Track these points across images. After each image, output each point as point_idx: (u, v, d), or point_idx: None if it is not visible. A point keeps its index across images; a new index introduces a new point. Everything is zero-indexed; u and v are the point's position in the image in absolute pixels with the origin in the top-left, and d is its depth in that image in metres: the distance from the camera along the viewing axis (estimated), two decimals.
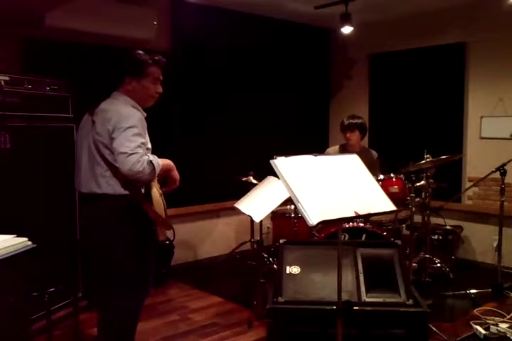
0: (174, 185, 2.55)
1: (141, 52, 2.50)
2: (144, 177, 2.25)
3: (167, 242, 2.52)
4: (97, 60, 4.04)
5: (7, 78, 3.08)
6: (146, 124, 2.46)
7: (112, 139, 2.28)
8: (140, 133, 2.30)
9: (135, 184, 2.33)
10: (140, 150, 2.24)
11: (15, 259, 2.10)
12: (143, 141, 2.29)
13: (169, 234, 4.43)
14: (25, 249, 2.17)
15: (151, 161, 2.25)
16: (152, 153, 2.44)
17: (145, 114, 2.53)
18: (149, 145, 2.44)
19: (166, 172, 2.50)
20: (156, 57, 2.50)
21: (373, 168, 3.64)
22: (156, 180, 2.45)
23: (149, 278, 2.55)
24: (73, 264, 3.52)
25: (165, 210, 2.46)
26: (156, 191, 2.39)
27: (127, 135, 2.25)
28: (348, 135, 4.12)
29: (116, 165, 2.28)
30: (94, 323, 2.62)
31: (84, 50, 4.02)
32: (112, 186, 2.35)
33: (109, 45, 4.05)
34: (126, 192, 2.35)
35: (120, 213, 2.38)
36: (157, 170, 2.30)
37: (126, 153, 2.21)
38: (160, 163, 2.34)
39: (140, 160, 2.20)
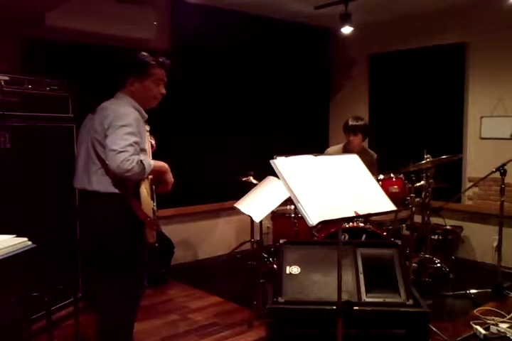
0: (166, 188, 2.53)
1: (145, 53, 2.50)
2: (133, 177, 2.24)
3: (156, 245, 2.50)
4: (97, 60, 4.04)
5: (7, 78, 3.08)
6: (144, 125, 2.45)
7: (105, 136, 2.29)
8: (133, 132, 2.29)
9: (124, 182, 2.32)
10: (130, 149, 2.23)
11: (15, 259, 2.10)
12: (136, 140, 2.28)
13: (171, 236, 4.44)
14: (25, 249, 2.16)
15: (141, 161, 2.24)
16: (153, 153, 2.43)
17: (146, 116, 2.53)
18: (145, 147, 2.43)
19: (159, 174, 2.49)
20: (161, 59, 2.51)
21: (372, 168, 3.65)
22: (147, 181, 2.43)
23: (143, 277, 2.55)
24: (73, 264, 3.52)
25: (154, 211, 2.44)
26: (145, 191, 2.36)
27: (120, 133, 2.25)
28: (351, 138, 4.11)
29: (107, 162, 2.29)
30: (94, 323, 2.62)
31: (84, 50, 4.02)
32: (102, 184, 2.35)
33: (109, 45, 4.05)
34: (117, 191, 2.35)
35: (110, 212, 2.37)
36: (147, 171, 2.28)
37: (116, 150, 2.21)
38: (152, 163, 2.33)
39: (129, 158, 2.20)
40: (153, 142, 2.76)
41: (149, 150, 2.63)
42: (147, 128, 2.71)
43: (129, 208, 2.35)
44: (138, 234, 2.41)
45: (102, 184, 2.35)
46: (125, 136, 2.25)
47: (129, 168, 2.19)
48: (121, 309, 2.48)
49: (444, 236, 4.74)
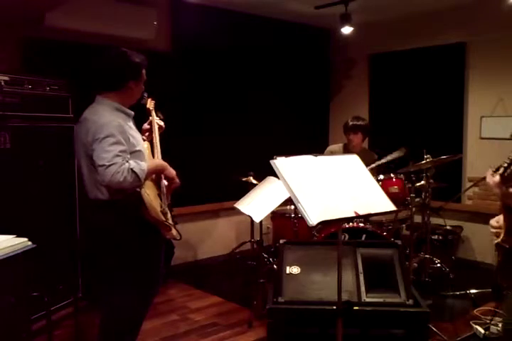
0: (174, 182, 2.53)
1: (131, 52, 2.45)
2: (128, 186, 2.22)
3: (178, 238, 2.52)
4: (97, 60, 4.04)
5: (7, 78, 3.09)
6: (129, 126, 2.42)
7: (92, 151, 2.27)
8: (117, 141, 2.25)
9: (124, 192, 2.29)
10: (118, 160, 2.20)
11: (15, 259, 2.10)
12: (121, 149, 2.24)
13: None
14: (25, 249, 2.17)
15: (131, 169, 2.20)
16: (161, 134, 2.39)
17: (132, 113, 2.50)
18: (139, 147, 2.41)
19: (159, 173, 2.48)
20: (144, 59, 2.49)
21: (373, 169, 3.65)
22: (151, 183, 2.41)
23: (156, 278, 2.55)
24: (73, 264, 3.52)
25: (163, 212, 2.41)
26: (146, 195, 2.32)
27: (104, 146, 2.22)
28: (351, 137, 4.12)
29: None
30: (94, 323, 2.62)
31: (84, 50, 4.01)
32: (112, 192, 2.33)
33: (109, 45, 4.04)
34: (127, 198, 2.33)
35: (126, 216, 2.36)
36: (141, 176, 2.25)
37: (104, 165, 2.19)
38: (144, 168, 2.28)
39: (119, 170, 2.17)
40: (161, 123, 2.74)
41: (156, 136, 2.60)
42: (152, 105, 2.69)
43: (141, 212, 2.35)
44: (152, 235, 2.42)
45: (112, 193, 2.33)
46: (109, 148, 2.22)
47: (121, 179, 2.17)
48: (127, 309, 2.48)
49: (444, 236, 4.73)
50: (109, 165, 2.18)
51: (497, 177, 1.82)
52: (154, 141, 2.65)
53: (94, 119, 2.32)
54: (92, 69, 2.51)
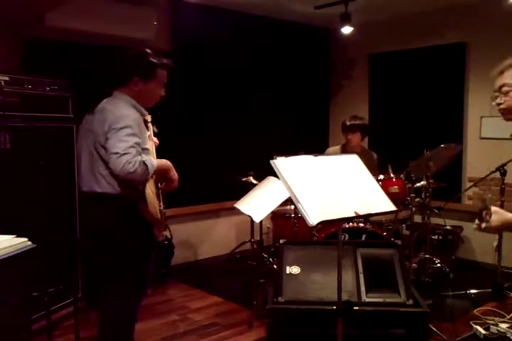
0: (172, 185, 2.54)
1: (152, 53, 2.47)
2: (136, 178, 2.23)
3: (166, 242, 2.51)
4: (97, 60, 4.04)
5: (7, 78, 3.09)
6: (144, 125, 2.45)
7: (106, 139, 2.28)
8: (134, 133, 2.27)
9: (130, 184, 2.30)
10: (132, 151, 2.21)
11: (15, 259, 2.10)
12: (136, 141, 2.26)
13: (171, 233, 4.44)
14: (25, 249, 2.16)
15: (143, 162, 2.22)
16: (156, 149, 2.41)
17: (146, 113, 2.51)
18: (148, 146, 2.42)
19: (163, 173, 2.48)
20: (166, 61, 2.50)
21: (373, 169, 3.65)
22: (152, 181, 2.42)
23: (148, 278, 2.56)
24: (73, 264, 3.52)
25: (161, 211, 2.43)
26: (150, 192, 2.33)
27: (120, 135, 2.23)
28: (349, 137, 4.12)
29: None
30: (94, 323, 2.62)
31: (84, 50, 4.01)
32: (111, 185, 2.35)
33: (109, 45, 4.05)
34: (125, 192, 2.34)
35: (120, 213, 2.37)
36: (151, 171, 2.27)
37: (117, 153, 2.20)
38: (154, 163, 2.31)
39: (131, 160, 2.18)
40: (156, 140, 2.75)
41: (153, 149, 2.62)
42: (149, 118, 2.70)
43: (138, 209, 2.35)
44: (147, 234, 2.42)
45: (110, 185, 2.34)
46: (125, 138, 2.23)
47: (132, 170, 2.18)
48: (125, 309, 2.49)
49: (444, 236, 4.73)
50: (123, 154, 2.19)
51: (483, 225, 1.81)
52: (151, 150, 2.65)
53: (112, 110, 2.34)
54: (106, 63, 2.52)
